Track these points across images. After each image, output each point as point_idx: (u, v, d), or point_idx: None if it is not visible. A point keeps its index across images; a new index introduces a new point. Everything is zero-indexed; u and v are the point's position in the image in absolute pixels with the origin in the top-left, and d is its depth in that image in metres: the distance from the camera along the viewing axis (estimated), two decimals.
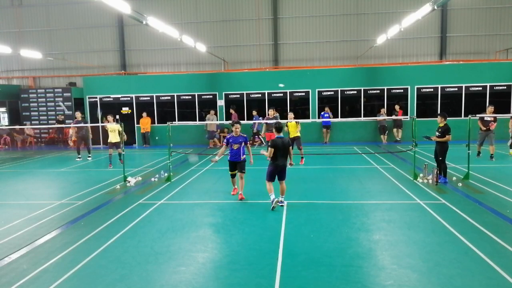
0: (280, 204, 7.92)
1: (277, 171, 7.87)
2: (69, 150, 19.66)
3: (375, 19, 23.85)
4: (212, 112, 19.34)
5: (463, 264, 5.19)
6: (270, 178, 7.91)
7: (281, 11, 24.55)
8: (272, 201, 7.80)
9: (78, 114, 16.06)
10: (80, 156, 15.83)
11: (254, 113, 19.53)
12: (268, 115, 14.77)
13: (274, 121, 13.63)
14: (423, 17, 14.20)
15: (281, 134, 7.89)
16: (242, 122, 18.49)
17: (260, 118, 19.07)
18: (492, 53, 23.58)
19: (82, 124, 15.34)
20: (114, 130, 13.80)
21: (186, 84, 20.97)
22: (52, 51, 25.95)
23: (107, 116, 14.10)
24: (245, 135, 9.13)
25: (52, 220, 7.66)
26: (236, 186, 9.17)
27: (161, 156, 15.99)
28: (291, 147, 7.97)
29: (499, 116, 13.86)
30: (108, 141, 14.03)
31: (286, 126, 13.59)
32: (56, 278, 5.09)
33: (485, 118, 13.40)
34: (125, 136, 12.98)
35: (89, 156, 16.04)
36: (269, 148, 7.73)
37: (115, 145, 13.87)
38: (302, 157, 13.56)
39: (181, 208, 8.30)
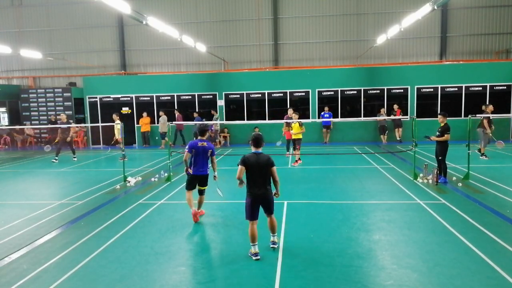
0: (272, 246, 5.85)
1: (257, 204, 5.66)
2: (68, 150, 19.64)
3: (375, 19, 23.84)
4: (161, 113, 19.78)
5: (463, 264, 5.20)
6: (250, 215, 5.64)
7: (281, 11, 24.55)
8: (252, 254, 5.55)
9: (63, 116, 15.79)
10: (57, 158, 15.35)
11: (195, 114, 19.54)
12: (288, 114, 14.86)
13: (295, 120, 13.65)
14: (423, 17, 14.20)
15: (260, 150, 5.71)
16: (242, 122, 19.07)
17: (204, 119, 19.26)
18: (492, 53, 23.58)
19: (65, 125, 15.03)
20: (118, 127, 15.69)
21: (186, 84, 20.98)
22: (52, 51, 25.94)
23: (113, 116, 16.21)
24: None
25: (52, 220, 7.66)
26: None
27: (161, 156, 15.99)
28: (275, 168, 5.67)
29: (497, 116, 13.88)
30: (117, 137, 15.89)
31: (290, 126, 13.55)
32: (56, 278, 5.09)
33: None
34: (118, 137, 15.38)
35: (74, 157, 15.74)
36: (239, 166, 5.63)
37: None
38: (296, 160, 13.35)
39: (181, 208, 8.29)
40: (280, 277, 4.98)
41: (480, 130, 13.69)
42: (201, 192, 7.58)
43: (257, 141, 5.69)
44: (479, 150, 13.59)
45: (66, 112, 22.05)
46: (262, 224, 5.75)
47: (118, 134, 15.86)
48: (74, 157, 15.75)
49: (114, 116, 16.36)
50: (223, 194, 7.41)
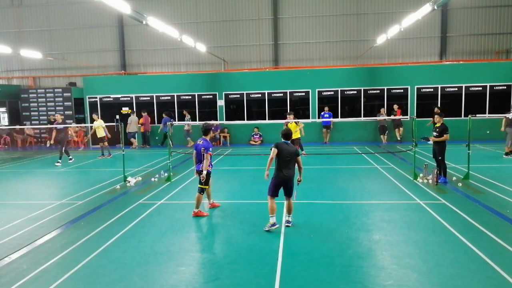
0: (287, 225, 6.80)
1: (281, 185, 6.70)
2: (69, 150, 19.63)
3: (375, 19, 23.84)
4: (131, 113, 20.21)
5: (463, 264, 5.20)
6: (273, 193, 6.69)
7: (281, 11, 24.55)
8: (271, 225, 6.60)
9: (58, 116, 15.33)
10: (71, 157, 15.14)
11: (164, 115, 19.85)
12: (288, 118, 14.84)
13: (291, 120, 13.65)
14: (423, 17, 14.20)
15: (288, 141, 6.82)
16: (242, 122, 19.11)
17: (172, 120, 19.51)
18: (492, 53, 23.57)
19: (61, 126, 14.65)
20: (99, 126, 16.07)
21: (186, 84, 20.98)
22: (52, 51, 25.94)
23: (93, 115, 16.74)
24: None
25: (52, 220, 7.66)
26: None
27: (161, 156, 15.98)
28: (300, 157, 6.88)
29: (497, 116, 13.89)
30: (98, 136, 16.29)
31: (285, 126, 13.60)
32: (56, 278, 5.09)
33: None
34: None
35: (59, 160, 14.63)
36: (272, 149, 6.63)
37: (101, 140, 16.23)
38: None
39: (181, 208, 8.30)
40: (280, 277, 4.98)
41: (510, 129, 13.69)
42: (198, 189, 7.62)
43: (287, 135, 6.85)
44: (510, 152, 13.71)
45: (66, 112, 22.13)
46: (257, 227, 5.75)
47: (99, 133, 16.10)
48: (59, 162, 14.59)
49: (94, 116, 16.54)
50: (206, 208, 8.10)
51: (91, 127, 17.43)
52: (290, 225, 6.80)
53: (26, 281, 5.04)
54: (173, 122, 18.00)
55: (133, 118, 19.80)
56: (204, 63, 25.33)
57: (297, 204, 8.16)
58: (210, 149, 7.52)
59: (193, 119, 20.42)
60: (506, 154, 13.70)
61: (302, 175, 7.02)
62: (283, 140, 6.79)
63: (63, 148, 14.86)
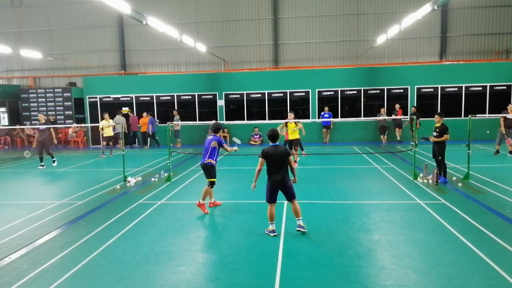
0: (298, 229, 6.42)
1: (276, 189, 6.40)
2: (69, 150, 19.66)
3: (375, 19, 23.85)
4: (120, 114, 20.21)
5: (463, 264, 5.19)
6: (269, 199, 6.43)
7: (281, 11, 24.55)
8: (270, 231, 6.43)
9: (40, 116, 14.34)
10: (43, 163, 14.13)
11: (149, 116, 20.09)
12: (288, 118, 14.80)
13: (290, 120, 13.65)
14: (423, 17, 14.21)
15: (277, 143, 6.54)
16: (242, 122, 19.13)
17: (158, 121, 19.83)
18: (492, 53, 23.58)
19: (44, 126, 13.94)
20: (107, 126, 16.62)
21: (186, 84, 20.98)
22: (52, 51, 25.95)
23: (104, 115, 17.09)
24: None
25: (52, 220, 7.66)
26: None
27: (161, 156, 15.99)
28: (291, 157, 6.51)
29: (497, 116, 13.90)
30: (105, 135, 16.85)
31: (286, 126, 13.53)
32: (56, 278, 5.09)
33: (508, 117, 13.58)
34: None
35: (54, 159, 14.44)
36: (260, 159, 6.42)
37: (106, 139, 16.90)
38: (294, 161, 12.87)
39: (181, 208, 8.30)
40: (280, 277, 4.98)
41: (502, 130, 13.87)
42: (207, 183, 7.98)
43: (273, 137, 6.54)
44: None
45: (66, 112, 22.14)
46: (257, 227, 5.72)
47: (108, 133, 16.77)
48: (54, 161, 14.44)
49: (107, 116, 16.93)
50: (240, 142, 8.96)
51: (92, 126, 17.65)
52: (303, 230, 6.37)
53: (26, 281, 5.04)
54: (157, 122, 18.05)
55: (118, 118, 19.38)
56: (204, 63, 25.34)
57: None
58: (223, 142, 8.13)
59: (193, 119, 20.45)
60: (511, 152, 13.85)
61: (299, 175, 7.01)
62: (270, 143, 6.47)
63: (48, 149, 14.28)
